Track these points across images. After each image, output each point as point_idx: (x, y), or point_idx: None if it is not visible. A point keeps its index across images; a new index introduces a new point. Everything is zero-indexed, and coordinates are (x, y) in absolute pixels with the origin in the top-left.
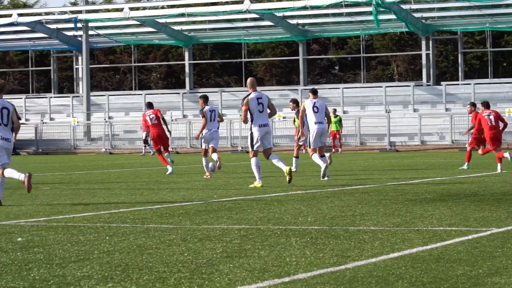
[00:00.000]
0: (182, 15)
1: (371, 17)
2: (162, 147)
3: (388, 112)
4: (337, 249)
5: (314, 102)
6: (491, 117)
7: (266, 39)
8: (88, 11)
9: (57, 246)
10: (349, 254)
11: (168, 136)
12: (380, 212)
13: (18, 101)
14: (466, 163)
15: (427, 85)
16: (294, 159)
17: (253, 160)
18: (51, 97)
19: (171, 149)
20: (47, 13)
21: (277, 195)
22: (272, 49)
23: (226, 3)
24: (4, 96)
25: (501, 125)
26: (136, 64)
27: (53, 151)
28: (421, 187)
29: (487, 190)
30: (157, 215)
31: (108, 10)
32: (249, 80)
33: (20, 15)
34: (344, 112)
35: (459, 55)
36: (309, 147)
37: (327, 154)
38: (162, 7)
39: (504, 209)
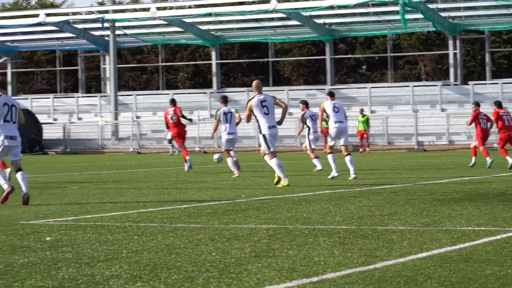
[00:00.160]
0: (209, 14)
1: (398, 17)
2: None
3: (416, 112)
4: (365, 249)
5: (334, 103)
6: (510, 117)
7: (293, 38)
8: (115, 11)
9: (86, 246)
10: (377, 254)
11: (188, 122)
12: (408, 212)
13: (46, 101)
14: (487, 158)
15: (455, 84)
16: (315, 160)
17: (273, 161)
18: (78, 97)
19: (198, 149)
20: (74, 13)
21: (305, 195)
22: (299, 49)
23: (253, 2)
24: (32, 96)
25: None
26: (163, 63)
27: (81, 151)
28: (449, 187)
29: None
30: (185, 215)
31: (135, 10)
32: (254, 82)
33: (47, 15)
34: (372, 111)
35: (487, 55)
36: (327, 142)
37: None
38: (189, 7)
39: None
